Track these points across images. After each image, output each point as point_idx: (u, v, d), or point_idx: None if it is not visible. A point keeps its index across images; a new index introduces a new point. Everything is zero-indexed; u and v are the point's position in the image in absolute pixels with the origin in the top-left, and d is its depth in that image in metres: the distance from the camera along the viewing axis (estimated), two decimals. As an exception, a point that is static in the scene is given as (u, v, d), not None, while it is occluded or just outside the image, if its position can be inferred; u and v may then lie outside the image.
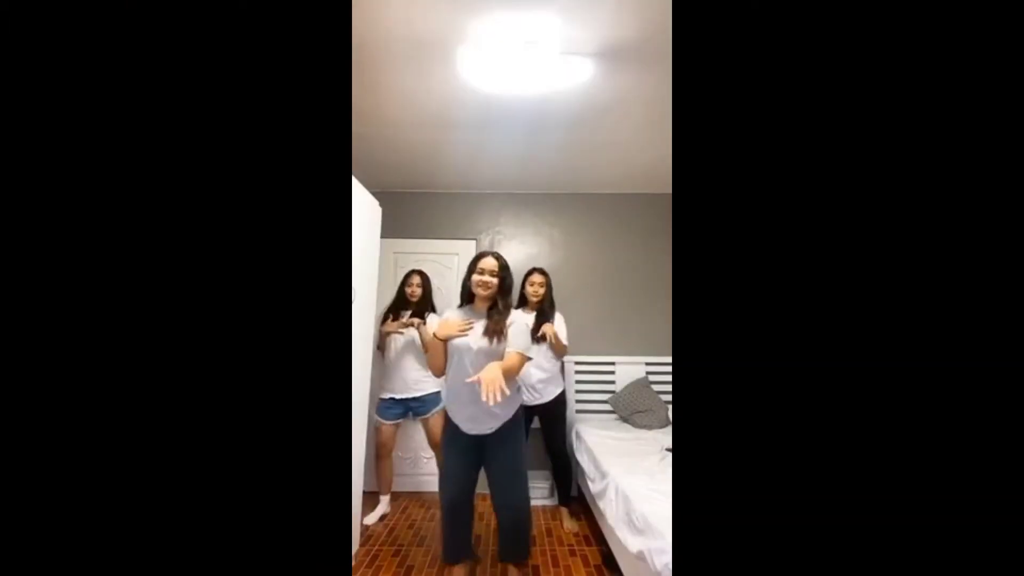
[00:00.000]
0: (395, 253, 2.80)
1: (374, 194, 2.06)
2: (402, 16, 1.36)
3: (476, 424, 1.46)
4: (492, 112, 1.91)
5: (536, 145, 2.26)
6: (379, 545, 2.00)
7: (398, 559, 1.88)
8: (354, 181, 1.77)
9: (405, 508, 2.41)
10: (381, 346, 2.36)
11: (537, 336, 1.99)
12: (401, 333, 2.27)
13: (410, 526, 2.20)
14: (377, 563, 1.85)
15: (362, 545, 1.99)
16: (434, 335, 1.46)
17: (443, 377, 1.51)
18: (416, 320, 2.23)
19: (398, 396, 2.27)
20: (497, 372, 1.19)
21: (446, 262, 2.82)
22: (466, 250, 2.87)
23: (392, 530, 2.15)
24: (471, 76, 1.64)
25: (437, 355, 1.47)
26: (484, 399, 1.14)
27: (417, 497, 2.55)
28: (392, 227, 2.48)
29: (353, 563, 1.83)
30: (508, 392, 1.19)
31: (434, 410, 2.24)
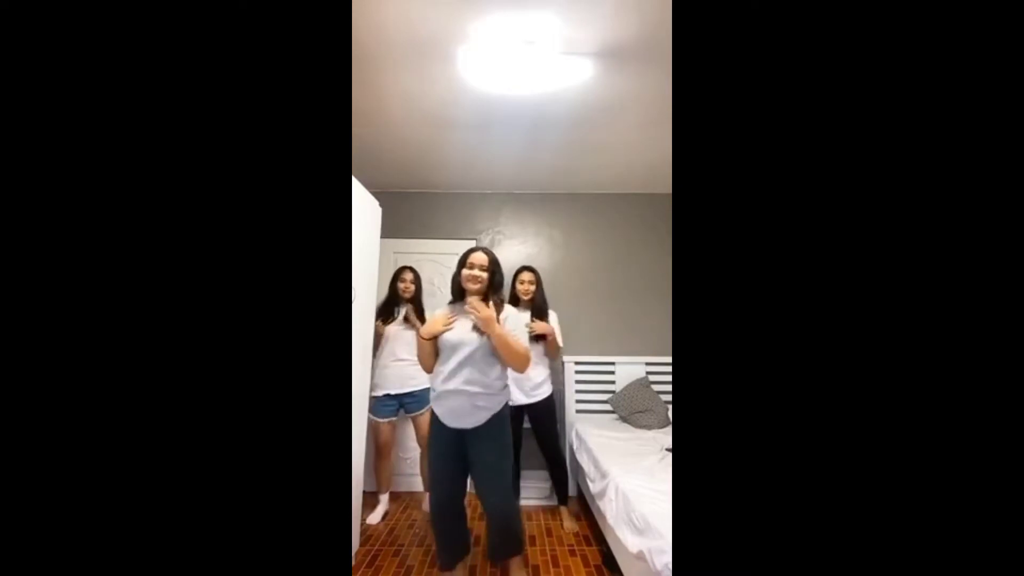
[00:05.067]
0: (395, 253, 2.80)
1: (374, 194, 2.06)
2: (402, 16, 1.36)
3: (459, 418, 1.44)
4: (492, 112, 1.91)
5: (536, 145, 2.26)
6: (379, 545, 2.00)
7: (398, 559, 1.88)
8: (354, 181, 1.77)
9: (405, 508, 2.41)
10: (374, 344, 2.35)
11: (532, 335, 1.99)
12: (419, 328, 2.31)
13: (410, 526, 2.20)
14: (377, 563, 1.85)
15: (362, 545, 1.99)
16: (420, 335, 1.48)
17: (431, 374, 1.52)
18: (417, 323, 2.26)
19: (393, 392, 2.27)
20: (490, 314, 1.40)
21: (446, 262, 2.82)
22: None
23: (392, 530, 2.15)
24: (471, 76, 1.64)
25: (426, 353, 1.49)
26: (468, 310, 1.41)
27: (417, 497, 2.55)
28: (392, 227, 2.48)
29: (353, 563, 1.83)
30: (481, 312, 1.40)
31: (425, 408, 2.24)
